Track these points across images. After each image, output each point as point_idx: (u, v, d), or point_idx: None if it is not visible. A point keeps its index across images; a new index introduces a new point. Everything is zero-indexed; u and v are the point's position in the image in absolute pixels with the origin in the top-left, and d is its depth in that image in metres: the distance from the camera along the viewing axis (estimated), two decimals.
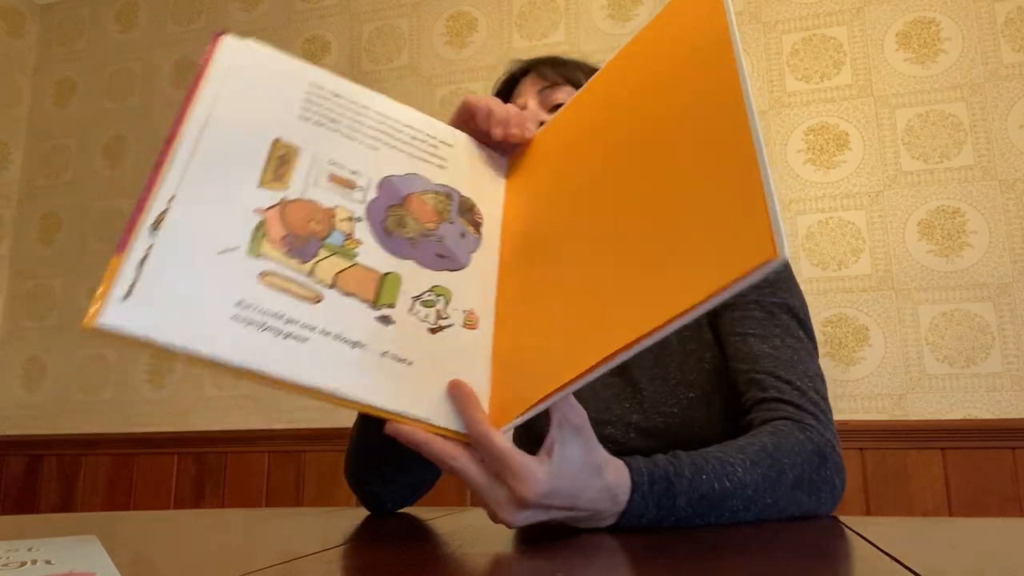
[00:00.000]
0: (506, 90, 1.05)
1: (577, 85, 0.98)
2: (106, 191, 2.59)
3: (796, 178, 1.98)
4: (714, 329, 0.88)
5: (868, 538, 0.51)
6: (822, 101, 2.00)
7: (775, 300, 0.83)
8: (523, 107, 0.97)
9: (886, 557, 0.44)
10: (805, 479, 0.67)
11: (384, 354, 0.49)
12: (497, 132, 0.69)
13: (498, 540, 0.54)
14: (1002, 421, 1.73)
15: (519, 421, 0.47)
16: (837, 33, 2.03)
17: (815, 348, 0.83)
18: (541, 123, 0.87)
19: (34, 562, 0.41)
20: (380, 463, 0.76)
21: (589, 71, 1.02)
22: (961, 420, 1.75)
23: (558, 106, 0.96)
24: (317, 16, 2.51)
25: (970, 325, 1.80)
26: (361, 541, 0.55)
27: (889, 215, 1.90)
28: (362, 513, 0.81)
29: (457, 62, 2.33)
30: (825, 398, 0.77)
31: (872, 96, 1.97)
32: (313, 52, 2.49)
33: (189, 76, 2.60)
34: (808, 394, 0.75)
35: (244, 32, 2.59)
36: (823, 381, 0.79)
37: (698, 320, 0.88)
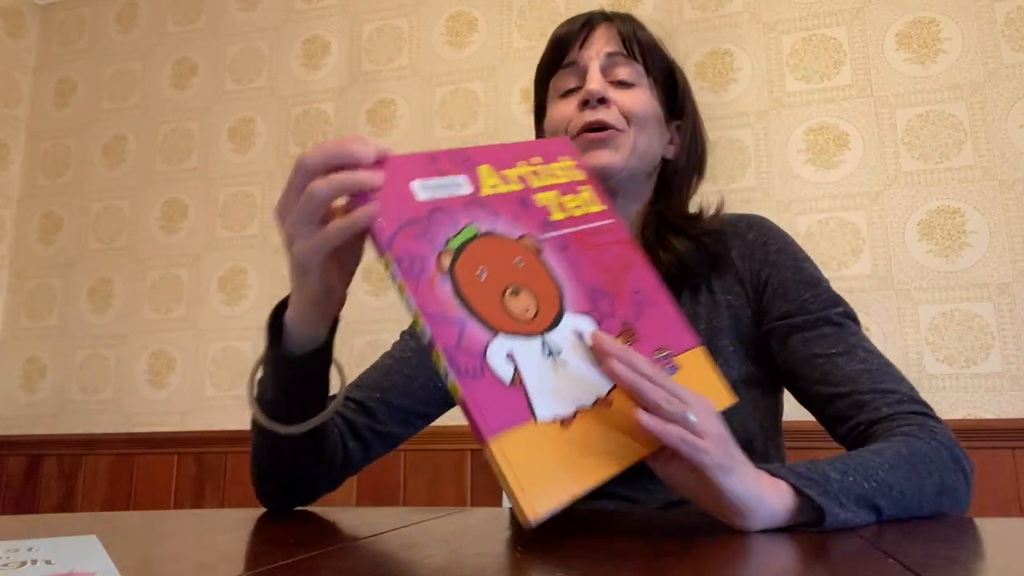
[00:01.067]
0: (560, 47, 0.90)
1: (649, 70, 0.89)
2: (106, 191, 2.59)
3: (796, 178, 1.98)
4: (762, 352, 0.83)
5: (867, 537, 0.51)
6: (822, 101, 2.00)
7: (838, 311, 0.80)
8: (584, 62, 0.87)
9: (886, 556, 0.44)
10: (947, 485, 0.65)
11: None
12: None
13: (498, 540, 0.54)
14: (1002, 421, 1.73)
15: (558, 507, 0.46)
16: (837, 33, 2.03)
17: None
18: (601, 100, 0.83)
19: (34, 562, 0.41)
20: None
21: (666, 63, 0.91)
22: (961, 420, 1.75)
23: (620, 83, 0.87)
24: (317, 16, 2.51)
25: (970, 325, 1.80)
26: (361, 541, 0.55)
27: (889, 215, 1.90)
28: (362, 513, 0.81)
29: (457, 62, 2.33)
30: (909, 384, 0.75)
31: (872, 96, 1.97)
32: (313, 52, 2.49)
33: (189, 76, 2.61)
34: (916, 397, 0.73)
35: (244, 32, 2.59)
36: (893, 365, 0.77)
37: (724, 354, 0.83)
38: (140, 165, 2.58)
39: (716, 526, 0.54)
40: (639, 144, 0.86)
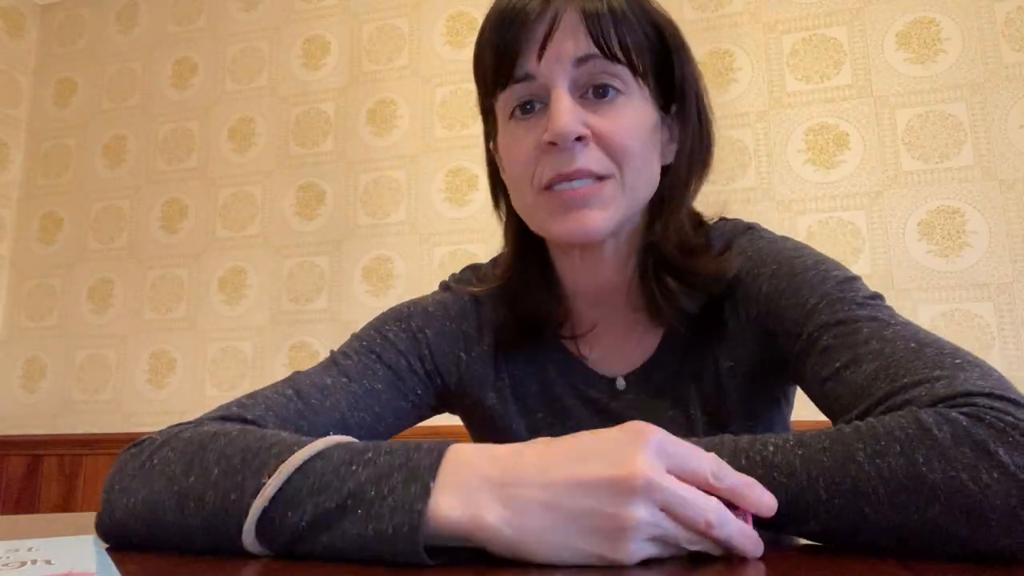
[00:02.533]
0: (506, 53, 0.64)
1: (636, 68, 0.64)
2: (106, 191, 2.59)
3: (796, 178, 1.98)
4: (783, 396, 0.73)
5: None
6: (822, 101, 2.00)
7: (836, 308, 0.59)
8: (544, 77, 0.63)
9: (885, 556, 0.44)
10: (936, 482, 0.43)
11: None
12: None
13: None
14: None
15: None
16: (837, 33, 2.03)
17: (894, 311, 0.60)
18: (578, 138, 0.61)
19: (34, 562, 0.41)
20: None
21: (655, 38, 0.66)
22: None
23: (599, 92, 0.63)
24: (317, 16, 2.51)
25: (970, 325, 1.79)
26: None
27: (889, 215, 1.90)
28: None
29: (457, 62, 2.33)
30: (970, 359, 0.51)
31: (872, 96, 1.97)
32: (313, 52, 2.49)
33: (189, 76, 2.61)
34: (963, 380, 0.48)
35: (244, 32, 2.59)
36: (947, 342, 0.54)
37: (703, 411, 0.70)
38: (140, 165, 2.58)
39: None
40: (635, 186, 0.65)
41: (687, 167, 0.70)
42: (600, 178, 0.63)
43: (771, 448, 0.47)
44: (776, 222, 1.90)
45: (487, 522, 0.40)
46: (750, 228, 0.74)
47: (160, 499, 0.49)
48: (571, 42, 0.62)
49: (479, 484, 0.42)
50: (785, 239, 0.72)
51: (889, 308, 0.60)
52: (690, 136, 0.70)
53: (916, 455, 0.44)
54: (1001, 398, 0.46)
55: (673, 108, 0.70)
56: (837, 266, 0.65)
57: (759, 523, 0.46)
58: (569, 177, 0.62)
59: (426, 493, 0.41)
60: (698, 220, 0.74)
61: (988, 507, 0.42)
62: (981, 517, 0.42)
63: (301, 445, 0.46)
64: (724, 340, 0.69)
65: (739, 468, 0.46)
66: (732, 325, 0.68)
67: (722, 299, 0.68)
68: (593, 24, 0.62)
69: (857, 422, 0.48)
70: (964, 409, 0.45)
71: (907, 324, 0.57)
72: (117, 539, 0.51)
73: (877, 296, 0.61)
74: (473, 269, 0.81)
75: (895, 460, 0.44)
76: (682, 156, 0.70)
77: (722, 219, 0.75)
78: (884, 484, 0.44)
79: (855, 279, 0.63)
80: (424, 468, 0.42)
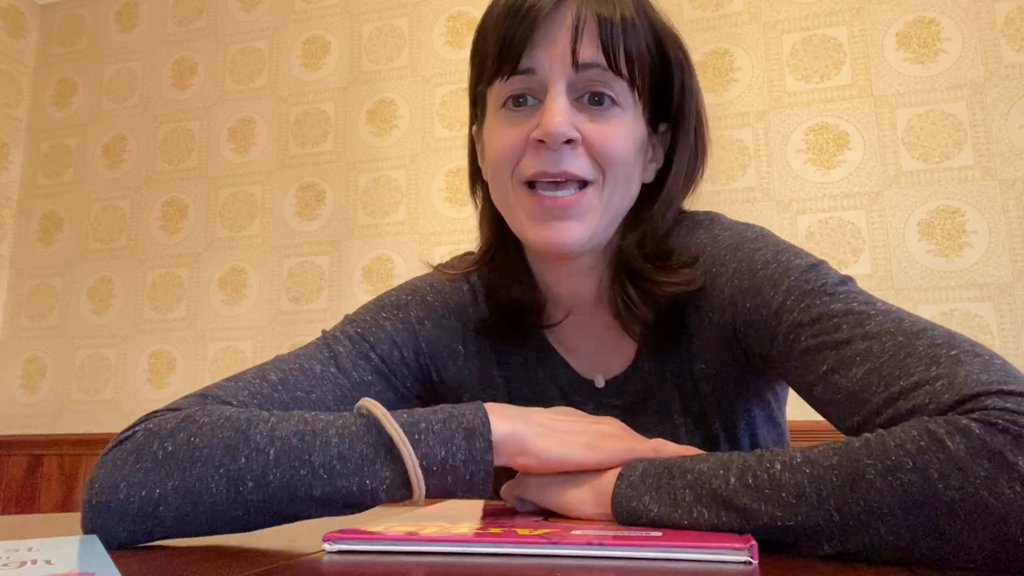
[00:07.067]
0: (510, 45, 0.63)
1: (635, 82, 0.64)
2: (106, 191, 2.59)
3: (796, 178, 1.98)
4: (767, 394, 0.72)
5: None
6: (822, 101, 2.00)
7: (805, 304, 0.58)
8: (544, 73, 0.62)
9: None
10: (945, 497, 0.42)
11: None
12: None
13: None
14: None
15: None
16: (837, 33, 2.03)
17: (869, 295, 0.58)
18: (567, 141, 0.62)
19: (34, 562, 0.41)
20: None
21: (659, 57, 0.67)
22: None
23: (595, 100, 0.63)
24: (317, 16, 2.51)
25: (970, 325, 1.79)
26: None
27: (889, 215, 1.90)
28: (363, 512, 0.80)
29: (457, 62, 2.33)
30: (965, 347, 0.49)
31: (872, 96, 1.97)
32: (313, 52, 2.49)
33: (189, 76, 2.61)
34: (947, 367, 0.47)
35: (244, 32, 2.59)
36: (937, 327, 0.52)
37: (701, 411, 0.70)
38: (140, 165, 2.58)
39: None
40: (613, 200, 0.65)
41: (674, 185, 0.69)
42: (583, 184, 0.63)
43: (778, 466, 0.47)
44: (776, 222, 1.90)
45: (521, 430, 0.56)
46: (709, 220, 0.72)
47: (203, 483, 0.52)
48: (579, 45, 0.62)
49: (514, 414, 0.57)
50: (747, 228, 0.69)
51: (863, 293, 0.58)
52: (686, 152, 0.69)
53: (930, 470, 0.42)
54: (1011, 394, 0.44)
55: (661, 127, 0.70)
56: (799, 254, 0.63)
57: (768, 547, 0.46)
58: (553, 178, 0.63)
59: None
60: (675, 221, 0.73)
61: (1013, 522, 0.40)
62: (1007, 533, 0.40)
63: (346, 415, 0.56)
64: (693, 342, 0.68)
65: (746, 487, 0.48)
66: (698, 328, 0.67)
67: (684, 304, 0.67)
68: (605, 32, 0.62)
69: (867, 435, 0.46)
70: (975, 415, 0.43)
71: (887, 311, 0.55)
72: (130, 533, 0.53)
73: (847, 280, 0.60)
74: (462, 259, 0.79)
75: (907, 476, 0.43)
76: (674, 173, 0.69)
77: (681, 212, 0.74)
78: (898, 502, 0.43)
79: (818, 265, 0.61)
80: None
